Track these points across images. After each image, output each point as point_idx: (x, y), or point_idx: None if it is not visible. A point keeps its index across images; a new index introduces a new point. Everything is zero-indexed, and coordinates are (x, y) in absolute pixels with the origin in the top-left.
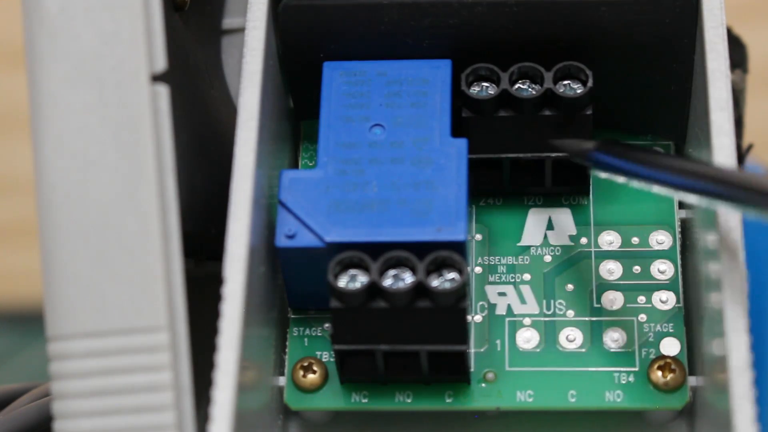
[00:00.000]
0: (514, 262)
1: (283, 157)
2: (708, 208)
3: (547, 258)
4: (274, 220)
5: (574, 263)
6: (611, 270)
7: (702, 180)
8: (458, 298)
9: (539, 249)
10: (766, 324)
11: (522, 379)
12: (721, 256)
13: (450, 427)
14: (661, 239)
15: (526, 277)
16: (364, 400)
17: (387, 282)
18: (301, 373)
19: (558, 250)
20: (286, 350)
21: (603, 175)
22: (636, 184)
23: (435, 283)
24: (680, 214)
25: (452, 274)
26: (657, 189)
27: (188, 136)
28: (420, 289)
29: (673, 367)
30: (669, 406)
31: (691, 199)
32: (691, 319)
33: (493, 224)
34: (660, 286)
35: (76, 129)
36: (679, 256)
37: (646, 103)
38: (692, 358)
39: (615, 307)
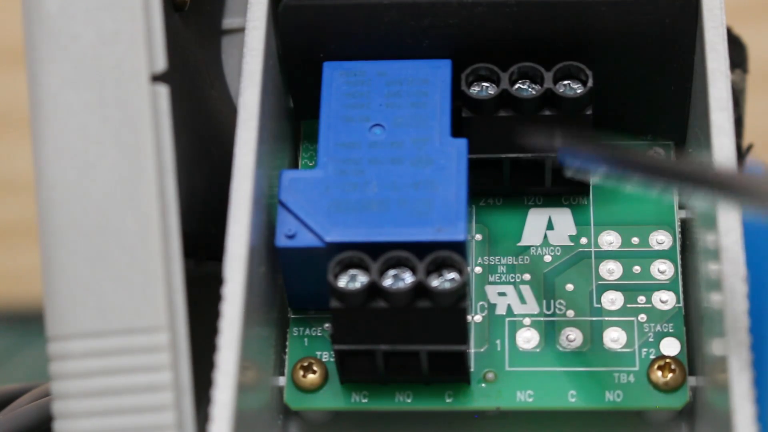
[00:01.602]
0: (514, 262)
1: (283, 157)
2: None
3: (547, 258)
4: (274, 220)
5: (574, 263)
6: (611, 270)
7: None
8: (458, 298)
9: (539, 249)
10: (766, 324)
11: (522, 379)
12: (721, 256)
13: (450, 427)
14: (661, 239)
15: (526, 277)
16: (364, 400)
17: (387, 282)
18: (301, 373)
19: (558, 250)
20: (286, 350)
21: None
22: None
23: (435, 283)
24: (680, 214)
25: (452, 274)
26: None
27: (188, 136)
28: (420, 289)
29: (673, 367)
30: (669, 406)
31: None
32: (691, 319)
33: (493, 224)
34: (660, 286)
35: (76, 129)
36: (679, 256)
37: (646, 103)
38: (692, 358)
39: (615, 307)
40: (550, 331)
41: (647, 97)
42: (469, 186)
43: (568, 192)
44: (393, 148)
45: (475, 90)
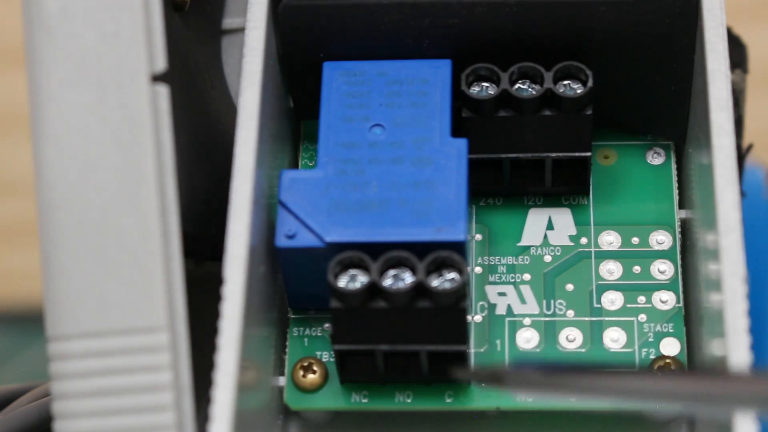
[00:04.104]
0: (514, 262)
1: (283, 157)
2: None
3: (547, 258)
4: (274, 220)
5: (574, 263)
6: (611, 270)
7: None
8: (458, 298)
9: (539, 249)
10: (767, 324)
11: None
12: (721, 256)
13: (450, 427)
14: (661, 239)
15: (526, 277)
16: (364, 400)
17: (387, 282)
18: (301, 373)
19: (558, 250)
20: (286, 350)
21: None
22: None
23: (435, 283)
24: (680, 214)
25: (452, 274)
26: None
27: (188, 136)
28: (420, 289)
29: (673, 367)
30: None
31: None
32: (691, 319)
33: (493, 224)
34: (660, 286)
35: (76, 129)
36: (679, 256)
37: (646, 103)
38: (692, 358)
39: (615, 307)
40: (550, 331)
41: (647, 97)
42: (469, 186)
43: (568, 192)
44: (393, 148)
45: (475, 90)
